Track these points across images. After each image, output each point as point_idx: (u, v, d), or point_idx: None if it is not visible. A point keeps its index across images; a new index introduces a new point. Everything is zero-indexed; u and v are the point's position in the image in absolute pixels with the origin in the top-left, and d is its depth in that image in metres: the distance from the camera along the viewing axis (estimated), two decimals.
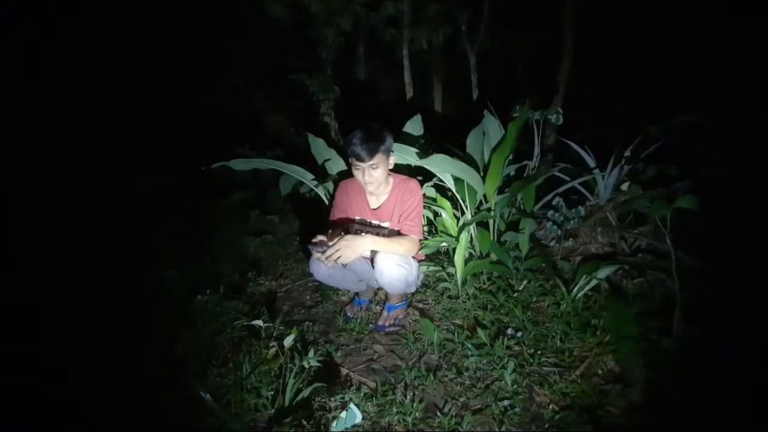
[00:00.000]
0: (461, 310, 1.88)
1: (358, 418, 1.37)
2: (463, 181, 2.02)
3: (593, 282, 1.76)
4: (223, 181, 3.30)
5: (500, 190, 2.10)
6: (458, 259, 1.94)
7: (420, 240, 1.83)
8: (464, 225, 2.02)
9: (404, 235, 1.76)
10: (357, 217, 1.86)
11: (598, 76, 4.09)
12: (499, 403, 1.41)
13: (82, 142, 3.28)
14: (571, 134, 2.57)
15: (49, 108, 3.35)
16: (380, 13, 4.45)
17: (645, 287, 1.84)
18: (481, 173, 2.13)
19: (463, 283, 1.98)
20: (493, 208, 2.06)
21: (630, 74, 4.01)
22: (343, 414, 1.36)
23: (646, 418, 1.32)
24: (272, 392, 1.47)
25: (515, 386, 1.47)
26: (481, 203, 2.18)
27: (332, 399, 1.46)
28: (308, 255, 1.72)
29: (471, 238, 2.12)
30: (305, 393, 1.43)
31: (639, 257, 2.02)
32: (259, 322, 1.62)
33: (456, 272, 1.97)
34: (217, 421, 1.36)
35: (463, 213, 2.16)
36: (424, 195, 1.92)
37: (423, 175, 2.17)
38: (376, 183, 1.72)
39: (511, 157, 2.13)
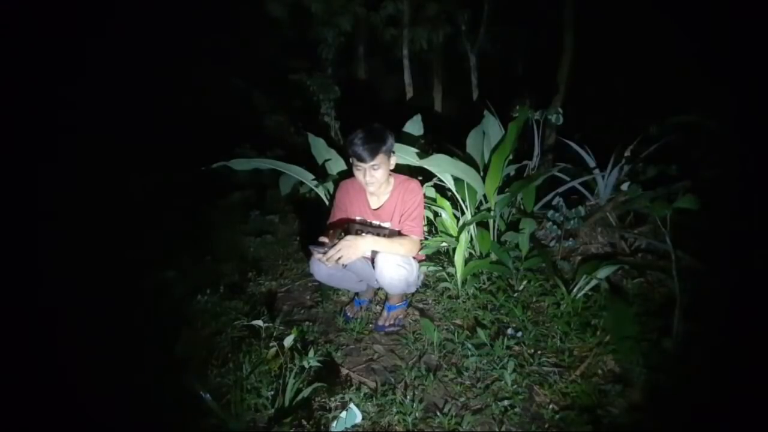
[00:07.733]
0: (461, 310, 1.88)
1: (358, 418, 1.37)
2: (463, 181, 2.01)
3: (593, 282, 1.76)
4: (223, 181, 3.29)
5: (500, 190, 2.10)
6: (458, 259, 1.94)
7: (421, 240, 1.83)
8: (464, 225, 2.03)
9: (405, 235, 1.76)
10: (357, 218, 1.86)
11: (598, 76, 4.10)
12: (499, 403, 1.41)
13: (81, 141, 3.28)
14: (571, 134, 2.57)
15: (48, 108, 3.34)
16: (380, 13, 4.47)
17: (645, 287, 1.84)
18: (481, 173, 2.13)
19: (463, 283, 1.98)
20: (493, 208, 2.06)
21: (630, 74, 4.02)
22: (343, 414, 1.36)
23: (646, 418, 1.32)
24: (272, 392, 1.47)
25: (515, 386, 1.47)
26: (481, 203, 2.18)
27: (332, 399, 1.46)
28: (309, 255, 1.72)
29: (471, 238, 2.12)
30: (305, 393, 1.43)
31: (639, 257, 2.02)
32: (259, 322, 1.62)
33: (456, 272, 1.97)
34: (217, 421, 1.36)
35: (463, 213, 2.16)
36: (424, 195, 1.92)
37: (423, 175, 2.17)
38: (377, 183, 1.71)
39: (511, 157, 2.12)
